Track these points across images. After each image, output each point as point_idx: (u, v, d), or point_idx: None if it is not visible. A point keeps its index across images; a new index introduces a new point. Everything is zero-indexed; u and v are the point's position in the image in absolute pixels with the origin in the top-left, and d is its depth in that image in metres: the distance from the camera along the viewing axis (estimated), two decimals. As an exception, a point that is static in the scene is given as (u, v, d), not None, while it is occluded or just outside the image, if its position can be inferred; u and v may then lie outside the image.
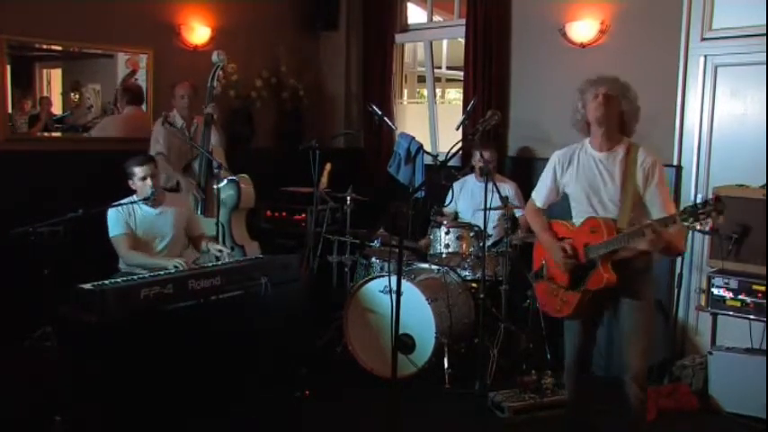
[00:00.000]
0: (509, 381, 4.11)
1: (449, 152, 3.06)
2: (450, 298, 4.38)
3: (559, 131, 5.10)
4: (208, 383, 3.27)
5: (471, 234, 4.74)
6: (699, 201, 2.62)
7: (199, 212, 4.60)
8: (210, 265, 3.80)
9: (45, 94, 5.05)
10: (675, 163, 4.59)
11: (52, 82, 5.12)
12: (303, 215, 5.53)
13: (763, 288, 3.92)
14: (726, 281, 4.04)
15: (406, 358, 4.22)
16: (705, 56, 4.49)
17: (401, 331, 3.23)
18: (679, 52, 4.54)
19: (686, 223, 2.65)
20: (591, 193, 3.02)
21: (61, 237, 3.87)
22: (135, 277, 3.34)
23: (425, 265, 4.73)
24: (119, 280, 3.27)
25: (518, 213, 4.86)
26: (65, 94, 5.15)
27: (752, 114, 4.37)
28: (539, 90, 5.30)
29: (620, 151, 3.00)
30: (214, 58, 4.76)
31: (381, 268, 4.70)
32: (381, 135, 6.13)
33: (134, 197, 4.02)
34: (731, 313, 4.05)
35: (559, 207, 3.32)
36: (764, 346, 4.04)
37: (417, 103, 8.14)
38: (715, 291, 4.07)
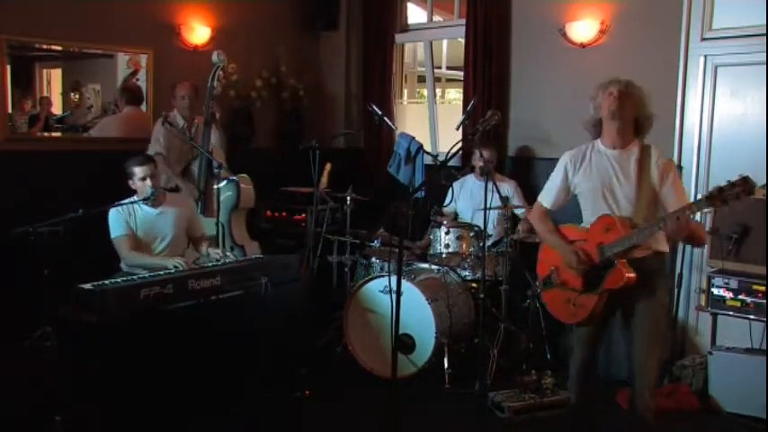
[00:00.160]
0: (509, 381, 4.11)
1: (449, 152, 3.04)
2: (450, 298, 4.38)
3: (559, 131, 5.11)
4: (208, 383, 3.27)
5: (471, 234, 4.74)
6: (724, 183, 2.55)
7: (199, 212, 4.60)
8: (210, 264, 3.80)
9: (45, 94, 5.05)
10: (675, 163, 4.58)
11: (52, 82, 5.12)
12: (303, 215, 5.53)
13: (763, 288, 3.92)
14: (726, 281, 4.04)
15: (406, 358, 4.22)
16: (705, 56, 4.49)
17: (401, 331, 3.23)
18: (679, 52, 4.54)
19: (713, 206, 2.58)
20: (605, 190, 2.97)
21: (61, 237, 3.86)
22: (135, 277, 3.34)
23: (425, 265, 4.73)
24: (119, 280, 3.27)
25: (520, 212, 4.86)
26: (65, 94, 5.15)
27: (752, 114, 4.37)
28: (539, 90, 5.30)
29: (635, 150, 2.97)
30: (214, 58, 4.76)
31: (381, 268, 4.70)
32: (381, 135, 6.13)
33: (134, 197, 4.02)
34: (731, 313, 4.05)
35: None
36: (764, 346, 4.05)
37: (417, 103, 8.14)
38: (715, 291, 4.07)
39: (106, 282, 3.21)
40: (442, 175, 5.01)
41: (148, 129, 5.03)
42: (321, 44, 6.60)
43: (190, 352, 3.17)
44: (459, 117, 5.05)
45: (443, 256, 4.74)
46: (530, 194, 5.10)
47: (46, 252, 3.76)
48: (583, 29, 4.94)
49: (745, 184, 2.51)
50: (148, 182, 3.98)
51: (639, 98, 2.96)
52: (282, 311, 3.66)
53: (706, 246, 4.31)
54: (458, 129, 4.75)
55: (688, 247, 4.45)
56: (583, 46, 4.98)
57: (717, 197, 2.55)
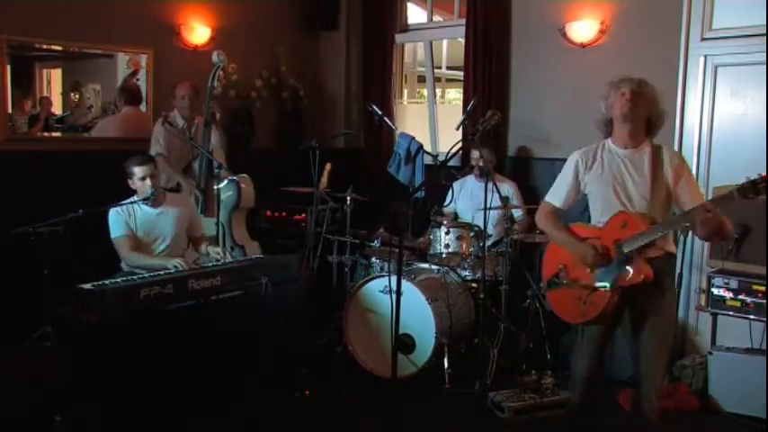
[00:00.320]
0: (509, 381, 4.10)
1: (449, 152, 3.03)
2: (450, 298, 4.38)
3: (559, 131, 5.12)
4: (208, 383, 3.27)
5: (471, 234, 4.74)
6: (755, 176, 2.54)
7: (199, 212, 4.60)
8: (210, 264, 3.80)
9: (45, 94, 5.05)
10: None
11: (52, 82, 5.12)
12: (303, 215, 5.53)
13: (763, 288, 3.92)
14: (726, 281, 4.04)
15: (406, 358, 4.22)
16: (705, 56, 4.50)
17: (401, 331, 3.23)
18: (679, 52, 4.54)
19: (745, 198, 2.55)
20: (619, 189, 2.93)
21: (61, 237, 3.87)
22: (135, 277, 3.34)
23: (425, 265, 4.73)
24: (119, 280, 3.27)
25: (517, 213, 4.86)
26: (65, 94, 5.15)
27: (752, 114, 4.38)
28: (539, 90, 5.30)
29: (646, 149, 2.94)
30: (214, 58, 4.76)
31: (381, 268, 4.70)
32: (381, 135, 6.13)
33: (134, 197, 4.02)
34: (731, 313, 4.05)
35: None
36: (764, 346, 4.05)
37: (417, 103, 8.14)
38: (715, 291, 4.07)
39: (106, 282, 3.21)
40: (442, 175, 5.01)
41: (148, 129, 5.03)
42: (321, 44, 6.60)
43: (190, 352, 3.17)
44: (459, 117, 5.06)
45: (443, 256, 4.73)
46: (530, 195, 5.11)
47: (46, 252, 3.76)
48: (583, 29, 4.94)
49: None
50: (148, 182, 3.98)
51: (652, 97, 2.92)
52: (282, 311, 3.66)
53: (706, 246, 4.32)
54: (458, 129, 4.75)
55: (688, 247, 4.45)
56: (583, 46, 4.98)
57: (750, 189, 2.53)
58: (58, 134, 5.09)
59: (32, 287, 3.85)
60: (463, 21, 5.59)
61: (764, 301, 3.91)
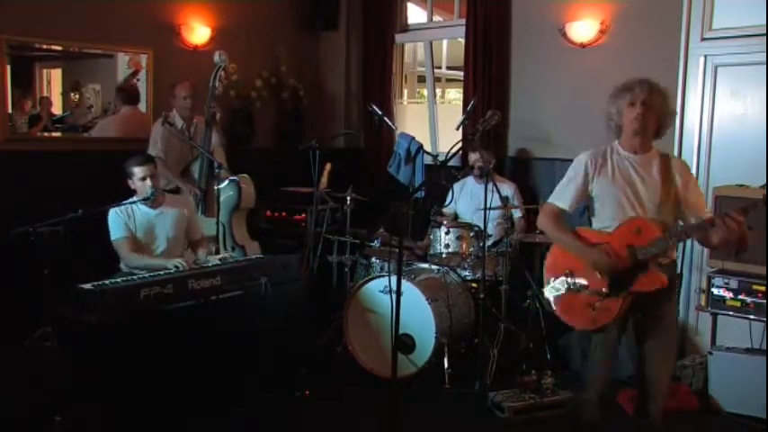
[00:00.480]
0: (509, 381, 4.10)
1: (449, 152, 3.02)
2: (451, 298, 4.38)
3: (559, 132, 5.12)
4: (208, 383, 3.27)
5: (471, 234, 4.74)
6: None
7: (199, 213, 4.60)
8: (210, 265, 3.79)
9: (45, 94, 5.06)
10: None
11: (52, 82, 5.12)
12: (303, 215, 5.53)
13: (763, 288, 3.91)
14: (726, 281, 4.04)
15: (406, 358, 4.22)
16: (705, 56, 4.49)
17: (401, 331, 3.23)
18: (679, 52, 4.54)
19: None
20: (629, 193, 2.88)
21: (61, 237, 3.87)
22: (135, 277, 3.34)
23: (425, 265, 4.73)
24: (119, 280, 3.27)
25: (517, 214, 4.86)
26: (65, 94, 5.16)
27: (752, 114, 4.37)
28: (539, 90, 5.30)
29: (655, 154, 2.92)
30: (216, 58, 4.76)
31: (381, 268, 4.70)
32: (381, 135, 6.13)
33: (134, 198, 4.01)
34: (731, 313, 4.05)
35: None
36: (764, 346, 4.05)
37: (417, 103, 8.14)
38: (715, 291, 4.07)
39: (106, 282, 3.22)
40: (441, 175, 5.00)
41: (147, 129, 5.02)
42: (321, 44, 6.60)
43: (190, 352, 3.17)
44: (459, 117, 5.06)
45: (443, 256, 4.73)
46: (530, 195, 5.11)
47: (46, 252, 3.77)
48: (583, 29, 4.94)
49: None
50: (148, 182, 3.97)
51: (663, 102, 2.90)
52: (282, 311, 3.66)
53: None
54: (458, 129, 4.75)
55: (688, 247, 4.46)
56: (583, 46, 4.98)
57: None
58: (58, 134, 5.09)
59: (32, 287, 3.85)
60: (463, 21, 5.59)
61: (764, 301, 3.91)
